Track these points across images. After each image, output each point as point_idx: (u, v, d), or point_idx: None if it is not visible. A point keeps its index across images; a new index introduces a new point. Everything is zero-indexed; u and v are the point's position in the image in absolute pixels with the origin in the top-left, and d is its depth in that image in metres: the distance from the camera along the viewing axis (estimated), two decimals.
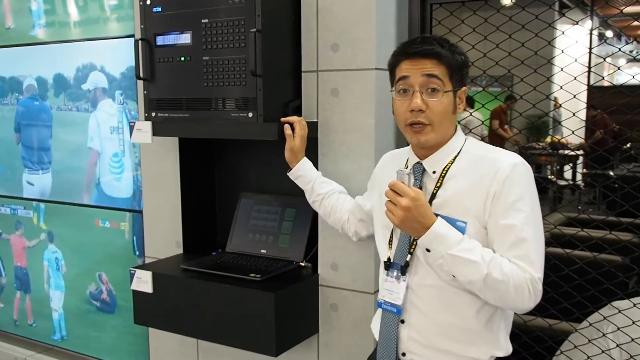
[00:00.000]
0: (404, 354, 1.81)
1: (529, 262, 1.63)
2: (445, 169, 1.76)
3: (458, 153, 1.77)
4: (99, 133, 3.11)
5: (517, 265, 1.63)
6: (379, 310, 1.91)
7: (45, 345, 3.65)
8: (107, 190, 3.20)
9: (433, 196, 1.74)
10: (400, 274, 1.79)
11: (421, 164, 1.80)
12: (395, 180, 1.67)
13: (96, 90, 3.12)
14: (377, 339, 1.93)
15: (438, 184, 1.75)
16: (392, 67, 1.78)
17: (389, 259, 1.85)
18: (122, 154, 3.06)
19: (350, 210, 2.19)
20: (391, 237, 1.87)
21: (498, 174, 1.66)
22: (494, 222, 1.67)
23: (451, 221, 1.68)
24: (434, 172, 1.78)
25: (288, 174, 2.29)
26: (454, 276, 1.67)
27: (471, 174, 1.72)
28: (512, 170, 1.66)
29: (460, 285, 1.69)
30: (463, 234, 1.66)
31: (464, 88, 1.77)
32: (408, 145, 1.89)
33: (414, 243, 1.76)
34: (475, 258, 1.61)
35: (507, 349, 1.80)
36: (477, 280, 1.61)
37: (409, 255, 1.78)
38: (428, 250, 1.67)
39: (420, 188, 1.77)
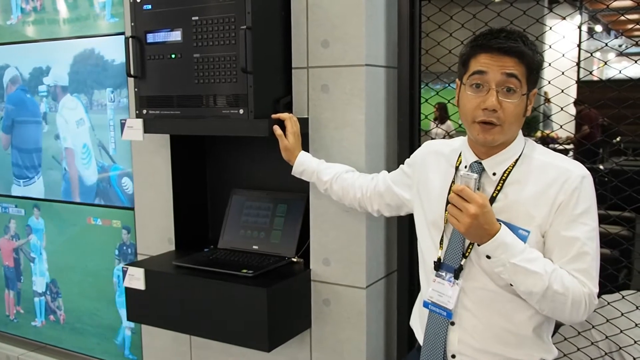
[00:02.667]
0: (453, 356, 1.77)
1: (589, 277, 1.62)
2: (507, 172, 1.70)
3: (519, 156, 1.71)
4: (69, 131, 3.12)
5: (577, 279, 1.61)
6: (421, 309, 1.87)
7: (38, 344, 3.65)
8: (82, 180, 3.23)
9: (492, 200, 1.68)
10: (453, 278, 1.74)
11: (480, 163, 1.73)
12: (460, 184, 1.61)
13: (56, 87, 3.13)
14: (418, 337, 1.91)
15: (498, 187, 1.69)
16: (467, 57, 1.68)
17: (439, 259, 1.79)
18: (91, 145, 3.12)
19: (374, 190, 2.11)
20: (442, 236, 1.80)
21: (566, 184, 1.62)
22: (555, 232, 1.63)
23: (513, 228, 1.63)
24: (493, 174, 1.71)
25: (292, 172, 2.28)
26: (511, 285, 1.63)
27: (537, 181, 1.66)
28: (581, 182, 1.62)
29: (514, 291, 1.66)
30: (524, 242, 1.62)
31: (535, 90, 1.69)
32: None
33: (469, 247, 1.72)
34: (538, 269, 1.58)
35: (555, 352, 1.79)
36: (537, 292, 1.58)
37: (463, 259, 1.73)
38: (488, 257, 1.62)
39: (478, 189, 1.69)
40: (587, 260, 1.62)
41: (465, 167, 1.76)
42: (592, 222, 1.64)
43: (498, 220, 1.62)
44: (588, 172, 1.67)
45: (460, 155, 1.82)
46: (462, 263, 1.73)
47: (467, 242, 1.72)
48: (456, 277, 1.74)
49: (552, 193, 1.63)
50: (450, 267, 1.75)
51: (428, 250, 1.85)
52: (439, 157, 1.89)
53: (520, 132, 1.75)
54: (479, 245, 1.63)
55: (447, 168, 1.84)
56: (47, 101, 3.23)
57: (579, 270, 1.61)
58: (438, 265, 1.78)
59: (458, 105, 1.74)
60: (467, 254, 1.72)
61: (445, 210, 1.77)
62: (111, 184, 3.09)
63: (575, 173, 1.64)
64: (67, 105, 3.09)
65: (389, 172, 2.15)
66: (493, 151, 1.72)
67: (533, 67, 1.65)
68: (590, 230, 1.63)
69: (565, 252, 1.63)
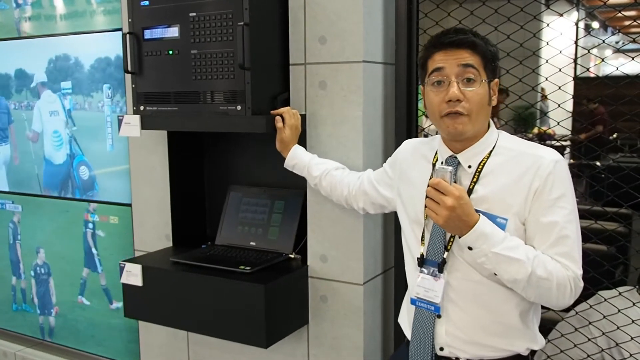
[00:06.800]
0: (441, 349, 1.78)
1: (572, 260, 1.63)
2: (482, 164, 1.72)
3: (493, 148, 1.74)
4: (40, 117, 3.38)
5: (560, 263, 1.62)
6: (409, 306, 1.88)
7: (34, 340, 3.64)
8: (52, 160, 3.38)
9: (469, 192, 1.70)
10: (437, 272, 1.75)
11: (455, 157, 1.76)
12: (436, 177, 1.63)
13: (37, 85, 3.36)
14: (407, 334, 1.91)
15: (474, 179, 1.72)
16: (424, 60, 1.74)
17: (422, 255, 1.80)
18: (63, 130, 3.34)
19: (359, 188, 2.14)
20: (423, 232, 1.82)
21: (540, 170, 1.64)
22: (534, 218, 1.65)
23: (491, 217, 1.64)
24: (469, 166, 1.74)
25: (284, 165, 2.30)
26: (495, 274, 1.65)
27: (511, 170, 1.68)
28: (554, 166, 1.64)
29: (498, 280, 1.67)
30: (503, 230, 1.63)
31: (496, 80, 1.74)
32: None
33: (451, 240, 1.73)
34: (520, 256, 1.59)
35: (541, 342, 1.80)
36: (521, 279, 1.60)
37: (446, 253, 1.74)
38: (470, 249, 1.64)
39: (455, 182, 1.72)
40: (568, 244, 1.64)
41: (442, 162, 1.79)
42: (570, 205, 1.66)
43: (477, 211, 1.64)
44: (561, 157, 1.68)
45: (436, 152, 1.84)
46: (444, 257, 1.75)
47: (448, 235, 1.74)
48: (440, 271, 1.75)
49: (527, 180, 1.65)
50: (434, 262, 1.77)
51: (413, 246, 1.87)
52: (418, 155, 1.92)
53: (493, 124, 1.79)
54: (459, 237, 1.65)
55: (425, 165, 1.87)
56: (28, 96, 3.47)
57: (561, 254, 1.63)
58: (422, 261, 1.80)
59: (425, 107, 1.78)
60: (449, 247, 1.74)
61: (426, 206, 1.79)
62: (73, 168, 3.29)
63: (547, 159, 1.66)
64: (46, 98, 3.35)
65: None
66: (467, 145, 1.75)
67: (488, 57, 1.69)
68: (568, 214, 1.65)
69: (546, 238, 1.64)
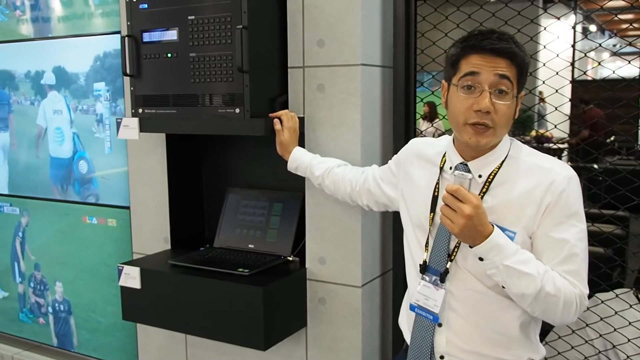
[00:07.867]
0: (442, 357, 1.76)
1: (579, 278, 1.62)
2: (492, 174, 1.68)
3: (505, 158, 1.70)
4: (45, 114, 3.46)
5: (568, 280, 1.61)
6: (408, 310, 1.86)
7: (32, 343, 3.64)
8: (53, 153, 3.45)
9: None
10: (439, 281, 1.73)
11: (466, 165, 1.71)
12: (454, 184, 1.59)
13: (45, 85, 3.42)
14: (406, 338, 1.90)
15: (484, 190, 1.67)
16: (457, 59, 1.65)
17: (424, 262, 1.78)
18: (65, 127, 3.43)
19: (362, 186, 2.11)
20: (427, 238, 1.78)
21: (553, 185, 1.61)
22: (544, 234, 1.63)
23: (500, 229, 1.61)
24: (479, 176, 1.69)
25: (287, 168, 2.30)
26: (503, 287, 1.62)
27: (523, 183, 1.65)
28: (568, 183, 1.62)
29: (501, 291, 1.65)
30: None
31: (522, 93, 1.68)
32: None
33: (455, 250, 1.71)
34: (531, 271, 1.56)
35: (542, 352, 1.79)
36: (530, 294, 1.57)
37: (449, 262, 1.71)
38: (481, 259, 1.60)
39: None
40: (577, 262, 1.62)
41: (450, 167, 1.75)
42: (581, 223, 1.64)
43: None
44: (574, 173, 1.66)
45: (444, 155, 1.80)
46: (447, 266, 1.72)
47: (452, 244, 1.72)
48: (442, 280, 1.73)
49: (539, 194, 1.62)
50: (436, 270, 1.74)
51: (415, 250, 1.84)
52: (423, 157, 1.88)
53: (506, 133, 1.75)
54: (471, 247, 1.61)
55: (431, 169, 1.83)
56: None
57: (569, 272, 1.61)
58: (424, 268, 1.78)
59: (446, 107, 1.72)
60: (452, 257, 1.72)
61: (431, 212, 1.77)
62: (73, 162, 3.35)
63: (561, 174, 1.63)
64: (51, 98, 3.42)
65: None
66: (479, 153, 1.70)
67: (523, 69, 1.64)
68: (579, 232, 1.63)
69: (555, 254, 1.62)
